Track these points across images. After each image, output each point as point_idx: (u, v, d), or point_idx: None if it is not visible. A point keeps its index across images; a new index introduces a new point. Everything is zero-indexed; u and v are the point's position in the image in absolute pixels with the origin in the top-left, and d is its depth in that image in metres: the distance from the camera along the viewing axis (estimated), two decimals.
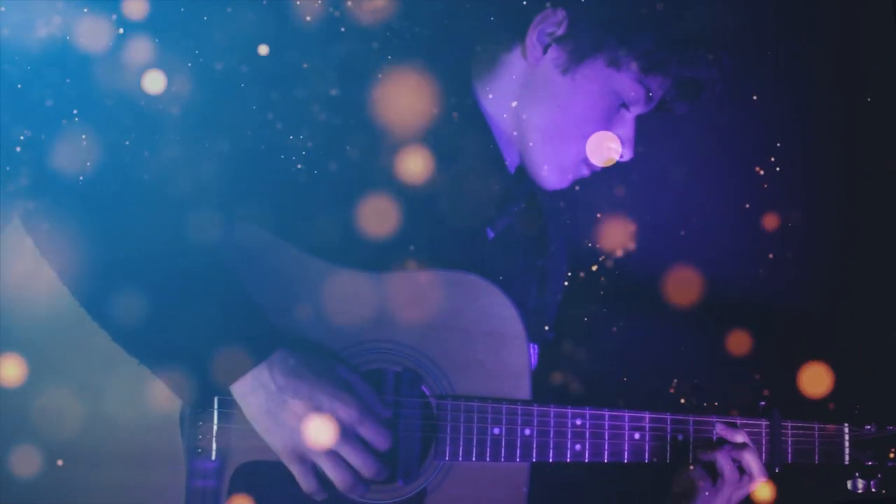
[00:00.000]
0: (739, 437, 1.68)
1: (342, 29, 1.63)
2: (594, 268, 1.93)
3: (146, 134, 1.50)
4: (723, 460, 1.66)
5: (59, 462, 1.52)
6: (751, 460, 1.66)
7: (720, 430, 1.69)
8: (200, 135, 1.54)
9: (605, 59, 1.67)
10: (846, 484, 1.74)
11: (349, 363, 1.60)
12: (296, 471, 1.54)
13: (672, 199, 2.03)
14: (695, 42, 1.66)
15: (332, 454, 1.53)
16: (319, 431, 1.52)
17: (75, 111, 1.35)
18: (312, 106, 1.61)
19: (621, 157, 1.74)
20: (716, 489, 1.67)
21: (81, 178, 1.42)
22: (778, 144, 2.04)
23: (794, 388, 1.80)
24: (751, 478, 1.66)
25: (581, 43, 1.67)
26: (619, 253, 1.95)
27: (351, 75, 1.63)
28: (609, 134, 1.71)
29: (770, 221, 2.03)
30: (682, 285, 1.92)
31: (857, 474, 1.73)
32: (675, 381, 1.82)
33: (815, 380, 1.74)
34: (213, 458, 1.56)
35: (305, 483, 1.55)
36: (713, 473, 1.68)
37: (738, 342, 1.95)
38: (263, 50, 1.60)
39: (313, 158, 1.61)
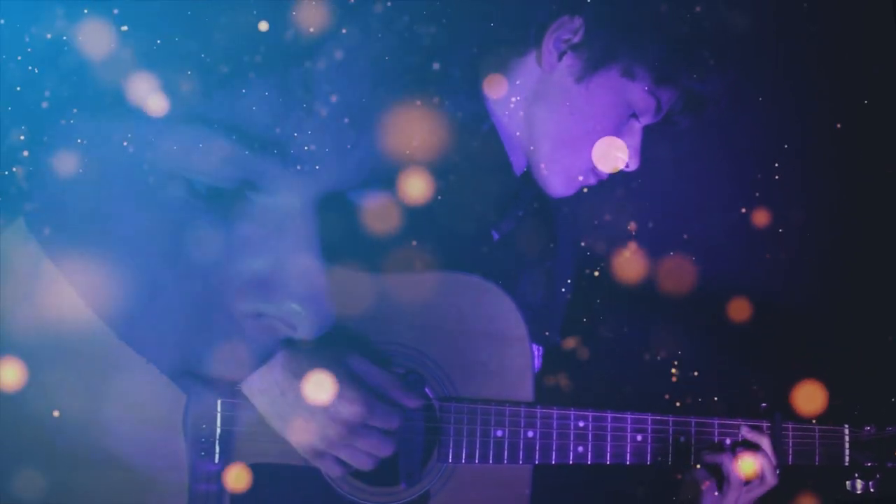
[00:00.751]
0: (764, 442, 1.69)
1: (343, 31, 1.62)
2: (596, 273, 1.93)
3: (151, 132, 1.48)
4: (728, 464, 1.67)
5: (56, 413, 1.51)
6: (764, 464, 1.67)
7: (745, 432, 1.71)
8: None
9: (619, 68, 1.67)
10: (845, 485, 1.76)
11: (361, 350, 1.59)
12: (319, 465, 1.54)
13: (678, 202, 2.03)
14: (707, 55, 1.66)
15: (348, 447, 1.53)
16: (330, 427, 1.51)
17: (75, 111, 1.33)
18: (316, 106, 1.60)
19: (627, 166, 1.75)
20: (721, 493, 1.68)
21: (86, 177, 1.40)
22: (785, 146, 2.05)
23: (794, 390, 1.81)
24: (762, 481, 1.68)
25: (597, 51, 1.66)
26: (626, 255, 1.96)
27: (356, 75, 1.62)
28: (617, 140, 1.72)
29: (771, 223, 2.03)
30: (688, 289, 1.92)
31: (856, 475, 1.75)
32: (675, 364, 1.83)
33: (809, 399, 1.75)
34: (217, 461, 1.56)
35: (332, 473, 1.55)
36: (719, 477, 1.69)
37: (741, 343, 1.96)
38: (267, 49, 1.59)
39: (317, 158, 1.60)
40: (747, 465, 1.67)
